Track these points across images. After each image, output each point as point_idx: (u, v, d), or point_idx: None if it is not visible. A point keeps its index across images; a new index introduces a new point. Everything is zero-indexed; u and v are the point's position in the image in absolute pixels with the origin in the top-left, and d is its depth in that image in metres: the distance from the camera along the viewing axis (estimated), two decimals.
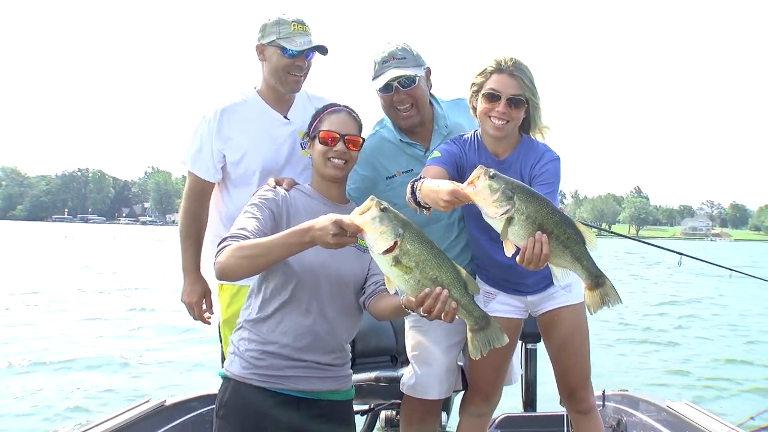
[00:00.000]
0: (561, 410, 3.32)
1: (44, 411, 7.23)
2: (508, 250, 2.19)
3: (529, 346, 3.96)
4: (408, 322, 3.08)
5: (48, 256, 32.40)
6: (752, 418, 3.13)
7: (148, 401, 3.53)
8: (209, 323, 3.22)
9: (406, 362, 3.12)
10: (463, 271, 2.09)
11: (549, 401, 3.80)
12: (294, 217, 2.40)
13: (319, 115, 2.57)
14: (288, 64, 2.97)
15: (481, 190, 2.12)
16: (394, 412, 3.76)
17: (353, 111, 2.59)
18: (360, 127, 2.57)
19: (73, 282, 20.74)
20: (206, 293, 3.18)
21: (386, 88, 2.85)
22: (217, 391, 2.45)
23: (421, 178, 2.45)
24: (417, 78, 2.85)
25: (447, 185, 2.23)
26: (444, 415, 3.46)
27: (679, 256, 4.54)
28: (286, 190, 2.51)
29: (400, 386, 3.04)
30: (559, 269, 2.26)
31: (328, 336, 2.40)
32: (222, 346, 3.07)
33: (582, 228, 2.23)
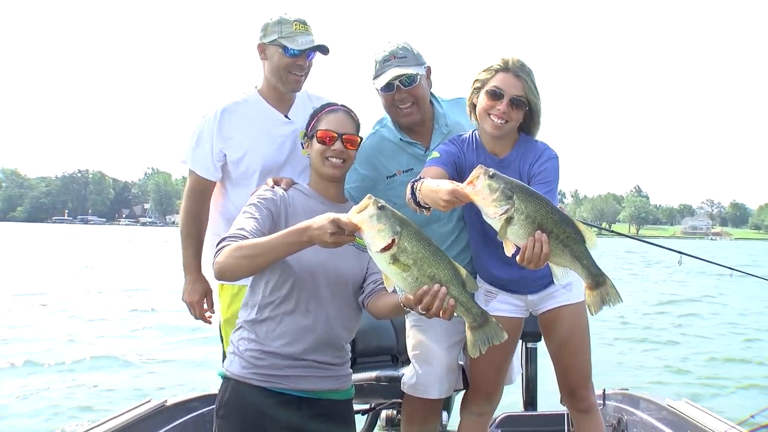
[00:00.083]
0: (562, 409, 3.33)
1: (46, 411, 7.24)
2: (508, 250, 2.20)
3: (530, 345, 3.96)
4: (409, 322, 3.09)
5: (50, 257, 32.40)
6: (753, 417, 3.13)
7: (149, 401, 3.54)
8: (210, 323, 3.22)
9: (407, 362, 3.12)
10: (461, 269, 2.10)
11: (550, 400, 3.80)
12: (292, 216, 2.41)
13: (316, 114, 2.57)
14: (289, 64, 2.97)
15: (481, 189, 2.12)
16: (395, 412, 3.76)
17: (351, 110, 2.59)
18: (358, 127, 2.58)
19: (75, 283, 20.79)
20: (207, 292, 3.17)
21: (388, 87, 2.85)
22: (217, 391, 2.46)
23: (420, 178, 2.45)
24: (418, 76, 2.85)
25: (447, 185, 2.23)
26: (445, 414, 3.47)
27: (680, 255, 4.54)
28: (285, 190, 2.51)
29: (401, 385, 3.04)
30: (559, 268, 2.26)
31: (328, 335, 2.40)
32: (223, 346, 3.07)
33: (582, 227, 2.23)
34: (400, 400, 3.14)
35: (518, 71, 2.62)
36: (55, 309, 15.05)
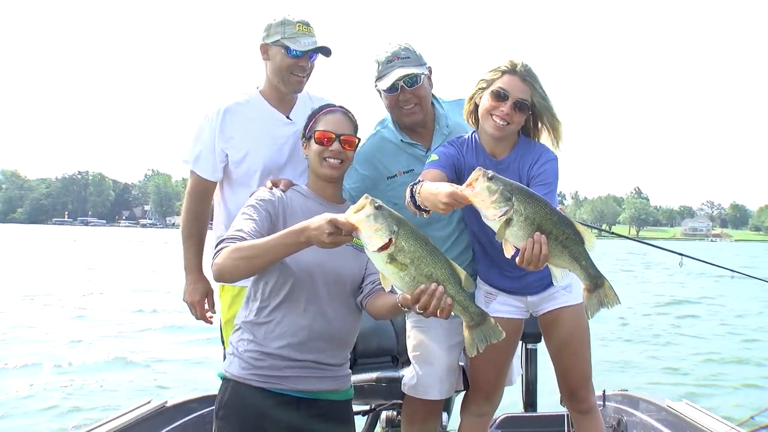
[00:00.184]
0: (562, 410, 3.33)
1: (47, 412, 7.26)
2: (508, 252, 2.20)
3: (530, 346, 3.97)
4: (409, 322, 3.09)
5: (50, 259, 32.41)
6: (752, 417, 3.14)
7: (149, 402, 3.55)
8: (211, 323, 3.22)
9: (407, 362, 3.13)
10: (459, 268, 2.11)
11: (549, 401, 3.80)
12: (291, 217, 2.42)
13: (314, 115, 2.59)
14: (291, 64, 2.98)
15: (480, 191, 2.13)
16: (395, 413, 3.76)
17: (349, 111, 2.60)
18: (356, 128, 2.59)
19: (76, 284, 20.80)
20: (208, 293, 3.18)
21: (392, 88, 2.85)
22: (217, 393, 2.46)
23: (419, 181, 2.46)
24: (421, 77, 2.86)
25: (446, 187, 2.24)
26: (445, 415, 3.47)
27: (681, 257, 4.55)
28: (283, 191, 2.53)
29: (402, 386, 3.05)
30: (559, 269, 2.27)
31: (326, 335, 2.41)
32: (224, 347, 3.08)
33: (580, 228, 2.24)
34: (401, 401, 3.15)
35: (525, 75, 2.62)
36: (56, 310, 15.08)
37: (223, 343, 3.12)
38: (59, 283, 20.67)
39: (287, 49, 2.96)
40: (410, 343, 3.07)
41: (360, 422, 3.35)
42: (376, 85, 2.93)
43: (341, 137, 2.49)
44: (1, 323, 12.79)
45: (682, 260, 4.52)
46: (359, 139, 2.59)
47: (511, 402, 3.73)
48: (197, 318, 3.19)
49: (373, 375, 3.27)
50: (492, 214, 2.14)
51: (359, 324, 2.57)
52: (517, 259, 2.18)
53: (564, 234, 2.19)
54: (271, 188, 2.53)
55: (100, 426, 3.15)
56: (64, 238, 64.49)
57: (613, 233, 6.45)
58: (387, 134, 3.00)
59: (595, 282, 2.27)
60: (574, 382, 2.89)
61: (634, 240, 7.06)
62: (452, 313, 2.10)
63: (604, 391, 3.90)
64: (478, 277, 2.95)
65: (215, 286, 3.18)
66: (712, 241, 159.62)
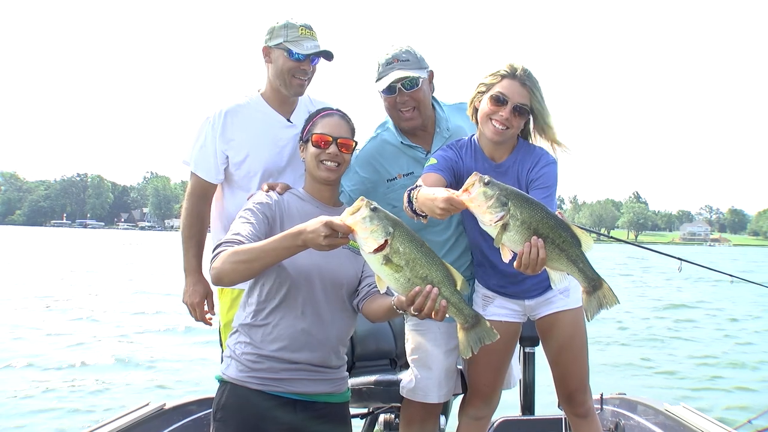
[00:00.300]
0: (559, 413, 3.33)
1: (45, 414, 7.24)
2: (505, 256, 2.21)
3: (527, 349, 3.97)
4: (408, 326, 3.10)
5: (50, 260, 32.38)
6: (750, 421, 3.15)
7: (147, 404, 3.54)
8: (211, 324, 3.23)
9: (405, 365, 3.13)
10: (453, 270, 2.12)
11: (547, 404, 3.80)
12: (288, 220, 2.44)
13: (312, 118, 2.60)
14: (293, 67, 3.00)
15: (476, 197, 2.14)
16: (393, 416, 3.76)
17: (346, 115, 2.62)
18: (353, 131, 2.61)
19: (76, 285, 20.79)
20: (208, 294, 3.18)
21: (389, 90, 2.86)
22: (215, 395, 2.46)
23: (417, 186, 2.47)
24: (420, 80, 2.86)
25: (443, 193, 2.24)
26: (443, 418, 3.47)
27: (680, 261, 4.55)
28: (279, 194, 2.54)
29: (400, 390, 3.05)
30: (557, 273, 2.28)
31: (323, 338, 2.42)
32: (222, 349, 3.08)
33: (577, 230, 2.24)
34: (399, 404, 3.15)
35: (525, 79, 2.61)
36: (54, 312, 15.05)
37: (221, 345, 3.13)
38: (58, 284, 20.64)
39: (290, 52, 2.98)
40: (409, 347, 3.08)
41: (358, 425, 3.35)
42: (376, 86, 2.94)
43: (338, 140, 2.51)
44: (0, 324, 12.78)
45: (681, 265, 4.53)
46: (356, 143, 2.61)
47: (508, 405, 3.73)
48: (197, 319, 3.20)
49: (372, 378, 3.27)
50: (488, 220, 2.15)
51: (355, 326, 2.58)
52: (514, 264, 2.19)
53: (561, 237, 2.20)
54: (268, 191, 2.54)
55: (98, 428, 3.14)
56: (62, 240, 64.39)
57: (611, 238, 6.44)
58: (387, 136, 3.01)
59: (594, 284, 2.28)
60: (572, 385, 2.89)
61: (633, 244, 7.05)
62: (447, 315, 2.11)
63: (601, 395, 3.91)
64: (475, 281, 2.95)
65: (214, 288, 3.18)
66: (710, 245, 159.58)
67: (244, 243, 2.27)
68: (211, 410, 2.45)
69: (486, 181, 2.14)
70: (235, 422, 2.35)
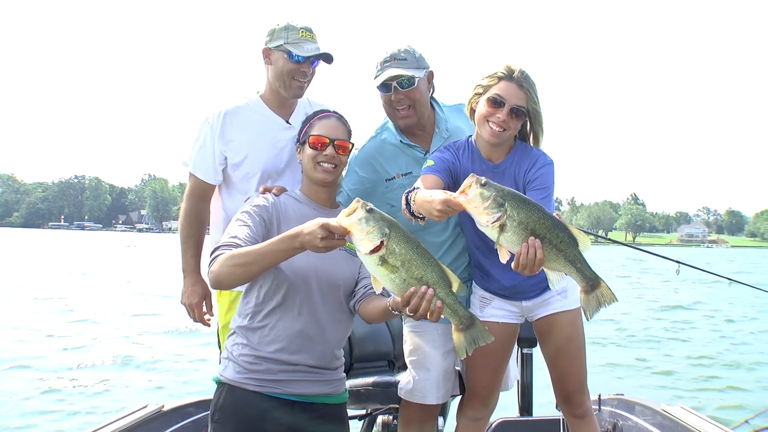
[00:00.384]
0: (557, 414, 3.34)
1: (44, 415, 7.23)
2: (503, 257, 2.22)
3: (525, 350, 3.97)
4: (406, 327, 3.10)
5: (50, 262, 32.34)
6: (747, 422, 3.16)
7: (146, 406, 3.54)
8: (209, 325, 3.23)
9: (404, 367, 3.13)
10: (449, 271, 2.13)
11: (545, 405, 3.81)
12: (285, 222, 2.44)
13: (309, 120, 2.62)
14: (293, 69, 3.01)
15: (473, 198, 2.14)
16: (391, 417, 3.76)
17: (343, 117, 2.64)
18: (350, 133, 2.62)
19: (75, 286, 20.79)
20: (206, 295, 3.19)
21: (384, 87, 2.87)
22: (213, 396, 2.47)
23: (414, 188, 2.47)
24: (416, 79, 2.87)
25: (440, 195, 2.25)
26: (440, 419, 3.47)
27: (678, 264, 4.56)
28: (276, 196, 2.54)
29: (398, 391, 3.05)
30: (555, 273, 2.28)
31: (320, 339, 2.43)
32: (220, 351, 3.09)
33: (574, 231, 2.25)
34: (397, 406, 3.15)
35: (522, 81, 2.61)
36: (54, 313, 15.03)
37: (219, 347, 3.13)
38: (57, 286, 20.59)
39: (290, 53, 2.99)
40: (407, 348, 3.08)
41: (356, 426, 3.35)
42: (373, 83, 2.95)
43: (335, 142, 2.52)
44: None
45: (679, 268, 4.54)
46: (353, 145, 2.62)
47: (506, 406, 3.74)
48: (195, 320, 3.20)
49: (370, 379, 3.27)
50: (485, 221, 2.15)
51: (352, 328, 2.59)
52: (512, 265, 2.20)
53: (558, 238, 2.20)
54: (265, 194, 2.55)
55: (97, 429, 3.14)
56: (60, 242, 64.28)
57: (610, 239, 6.45)
58: (387, 136, 3.02)
59: (592, 283, 2.29)
60: (570, 386, 2.90)
61: (632, 247, 7.05)
62: (442, 316, 2.12)
63: (599, 396, 3.92)
64: (473, 282, 2.96)
65: (213, 289, 3.19)
66: (708, 247, 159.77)
67: (241, 246, 2.28)
68: (208, 412, 2.46)
69: (483, 182, 2.14)
70: (232, 424, 2.36)
